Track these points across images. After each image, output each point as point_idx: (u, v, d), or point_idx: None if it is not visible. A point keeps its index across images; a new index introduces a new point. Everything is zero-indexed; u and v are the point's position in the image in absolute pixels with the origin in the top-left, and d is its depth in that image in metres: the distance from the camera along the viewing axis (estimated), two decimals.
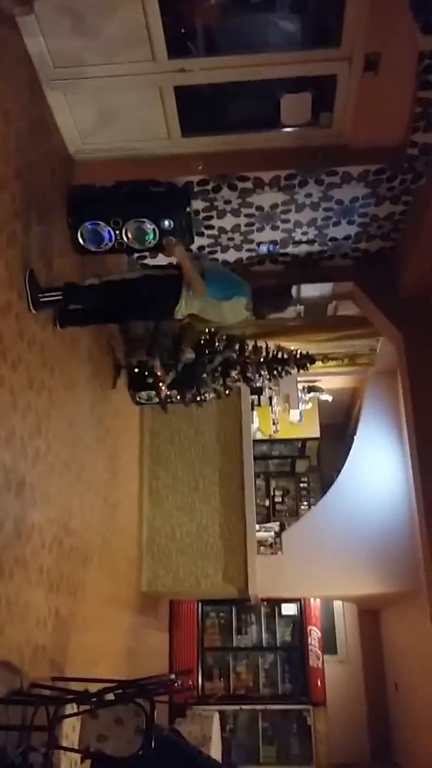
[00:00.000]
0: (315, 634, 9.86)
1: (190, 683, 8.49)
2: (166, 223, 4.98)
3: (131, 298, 4.29)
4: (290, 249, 6.13)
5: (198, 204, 5.37)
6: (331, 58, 4.30)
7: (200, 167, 4.93)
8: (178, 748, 2.94)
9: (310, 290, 6.95)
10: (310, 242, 6.03)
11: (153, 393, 6.84)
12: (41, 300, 3.95)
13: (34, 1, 3.60)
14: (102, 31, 4.08)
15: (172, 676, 3.32)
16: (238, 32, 4.37)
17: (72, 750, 2.76)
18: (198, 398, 6.97)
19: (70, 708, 2.91)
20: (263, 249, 6.10)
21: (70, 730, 2.83)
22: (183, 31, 4.23)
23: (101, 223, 4.91)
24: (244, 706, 9.54)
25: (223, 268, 4.42)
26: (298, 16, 4.29)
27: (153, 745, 2.67)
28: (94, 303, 4.37)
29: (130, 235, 4.98)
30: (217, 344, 6.75)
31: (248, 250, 6.12)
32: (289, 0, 4.24)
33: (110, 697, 3.15)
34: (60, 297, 4.09)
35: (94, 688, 3.38)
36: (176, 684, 3.22)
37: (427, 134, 4.63)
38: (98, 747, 3.01)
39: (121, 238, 4.99)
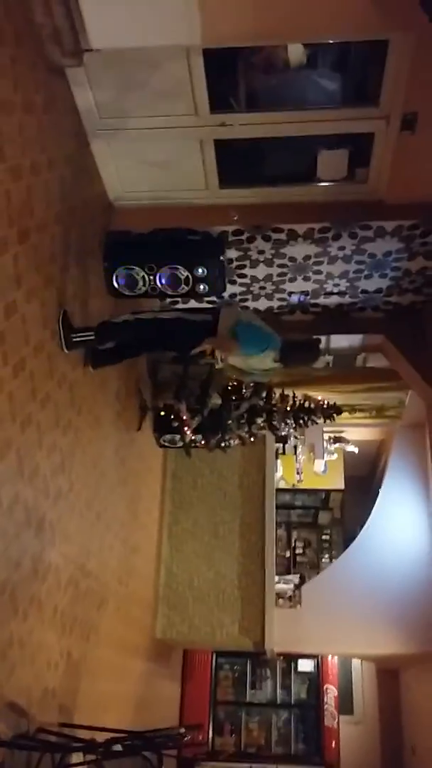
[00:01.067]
0: (331, 692, 9.55)
1: (200, 738, 8.26)
2: (200, 270, 5.06)
3: (162, 336, 4.34)
4: (321, 300, 6.16)
5: (232, 253, 5.45)
6: (369, 116, 4.41)
7: (235, 218, 5.03)
8: None
9: (340, 341, 6.96)
10: (341, 294, 6.06)
11: (177, 437, 6.84)
12: (74, 340, 4.02)
13: (84, 54, 3.76)
14: (147, 84, 4.24)
15: (182, 730, 3.23)
16: (279, 89, 4.51)
17: None
18: (222, 444, 6.96)
19: (77, 756, 2.84)
20: (294, 299, 6.14)
21: None
22: (226, 86, 4.37)
23: (136, 268, 5.01)
24: (254, 765, 9.21)
25: (256, 319, 4.43)
26: (339, 75, 4.41)
27: None
28: (126, 339, 4.42)
29: (163, 281, 5.07)
30: (244, 391, 6.76)
31: (279, 299, 6.17)
32: (330, 59, 4.37)
33: (118, 747, 3.07)
34: (92, 337, 4.15)
35: (101, 736, 3.30)
36: (185, 738, 3.13)
37: None
38: None
39: (155, 283, 5.08)
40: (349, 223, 5.13)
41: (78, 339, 4.05)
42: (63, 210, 4.02)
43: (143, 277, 5.03)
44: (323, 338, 6.69)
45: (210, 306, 4.39)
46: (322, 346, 6.75)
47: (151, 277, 5.04)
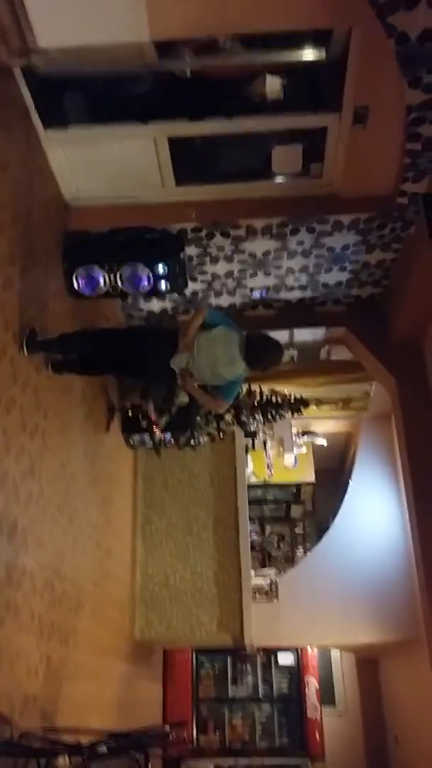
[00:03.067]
0: (312, 684, 9.61)
1: (185, 736, 8.24)
2: (161, 268, 5.07)
3: (125, 348, 4.28)
4: (283, 294, 6.22)
5: (192, 250, 5.47)
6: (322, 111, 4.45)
7: (193, 215, 5.05)
8: None
9: (304, 335, 7.03)
10: (302, 288, 6.13)
11: (147, 436, 6.83)
12: (37, 341, 4.00)
13: (31, 54, 3.73)
14: None
15: (167, 728, 3.23)
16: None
17: None
18: (192, 442, 6.96)
19: (63, 760, 2.82)
20: (256, 294, 6.19)
21: None
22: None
23: (96, 267, 4.99)
24: (240, 760, 9.23)
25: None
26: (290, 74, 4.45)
27: None
28: (88, 350, 4.39)
29: (124, 280, 5.06)
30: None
31: (242, 296, 6.21)
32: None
33: (103, 748, 3.06)
34: (53, 341, 4.14)
35: (85, 739, 3.29)
36: (171, 736, 3.13)
37: (416, 184, 4.77)
38: None
39: (116, 282, 5.07)
40: (306, 217, 5.19)
41: (40, 341, 4.04)
42: (19, 212, 3.99)
43: (104, 276, 5.02)
44: (287, 332, 6.75)
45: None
46: (285, 341, 6.89)
47: (112, 276, 5.03)
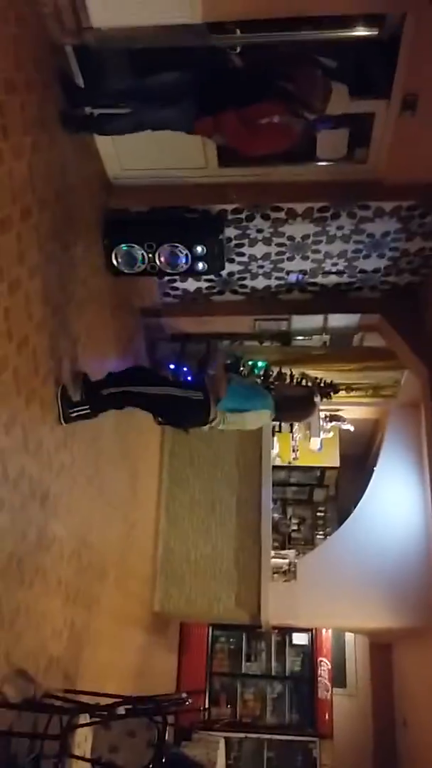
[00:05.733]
0: (325, 665, 9.76)
1: (201, 706, 8.45)
2: (199, 248, 5.11)
3: (154, 408, 4.23)
4: (319, 279, 6.22)
5: (230, 231, 5.50)
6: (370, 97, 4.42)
7: (233, 197, 5.06)
8: (187, 764, 2.97)
9: (337, 320, 7.01)
10: (339, 273, 6.12)
11: None
12: (71, 415, 3.95)
13: (84, 32, 3.77)
14: None
15: (184, 695, 3.36)
16: None
17: (83, 759, 2.80)
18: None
19: (84, 718, 2.95)
20: (293, 278, 6.20)
21: (83, 740, 2.87)
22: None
23: (135, 246, 5.05)
24: (249, 734, 9.44)
25: (249, 383, 4.44)
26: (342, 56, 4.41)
27: (163, 759, 2.70)
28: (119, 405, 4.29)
29: (162, 259, 5.12)
30: (241, 369, 6.83)
31: (277, 278, 6.22)
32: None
33: (122, 710, 3.19)
34: (88, 411, 4.04)
35: (105, 702, 3.41)
36: (188, 702, 3.26)
37: None
38: (109, 758, 3.05)
39: (154, 261, 5.13)
40: (348, 202, 5.17)
41: (75, 414, 3.97)
42: (63, 188, 4.05)
43: (142, 254, 5.08)
44: (321, 317, 6.75)
45: (197, 371, 4.31)
46: (319, 325, 6.89)
47: (150, 255, 5.09)
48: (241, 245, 5.69)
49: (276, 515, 10.76)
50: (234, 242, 5.65)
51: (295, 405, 4.39)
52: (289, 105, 3.84)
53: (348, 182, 5.02)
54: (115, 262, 5.11)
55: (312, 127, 4.29)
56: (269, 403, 4.17)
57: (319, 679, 9.69)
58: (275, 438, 9.14)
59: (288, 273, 6.13)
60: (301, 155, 4.95)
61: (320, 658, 9.80)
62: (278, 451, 9.95)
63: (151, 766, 2.73)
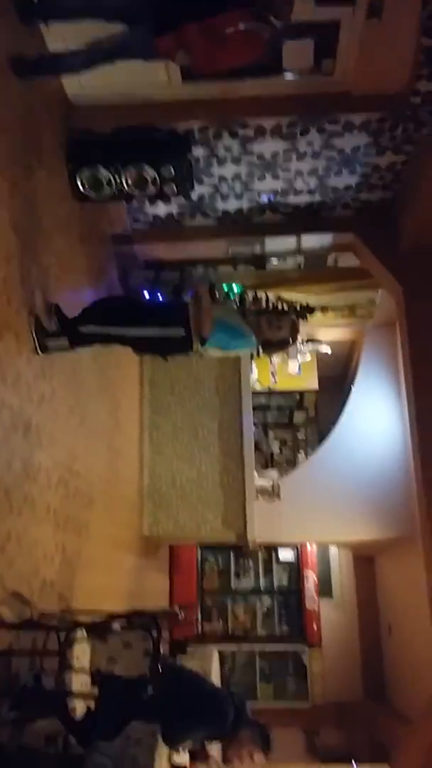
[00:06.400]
0: (311, 578, 10.17)
1: (192, 617, 8.80)
2: (168, 170, 4.97)
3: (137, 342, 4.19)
4: (291, 199, 6.13)
5: (198, 151, 5.36)
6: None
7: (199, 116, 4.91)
8: (184, 673, 3.13)
9: (311, 241, 6.95)
10: (311, 192, 6.03)
11: None
12: (48, 345, 3.90)
13: None
14: None
15: (177, 608, 3.50)
16: None
17: (82, 671, 2.94)
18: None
19: (80, 633, 3.08)
20: (264, 198, 6.10)
21: (81, 653, 3.01)
22: None
23: (101, 168, 4.88)
24: (242, 645, 9.92)
25: (234, 320, 4.38)
26: None
27: (160, 667, 2.85)
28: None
29: (130, 182, 4.97)
30: (217, 294, 6.77)
31: (249, 200, 6.12)
32: None
33: (117, 625, 3.33)
34: (67, 342, 3.99)
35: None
36: (180, 615, 3.40)
37: (430, 82, 4.61)
38: (108, 668, 3.20)
39: (122, 184, 4.98)
40: (316, 116, 5.05)
41: (52, 343, 3.93)
42: (21, 111, 3.90)
43: (109, 178, 4.93)
44: (293, 238, 6.69)
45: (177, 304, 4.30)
46: (292, 247, 6.83)
47: (117, 178, 4.94)
48: (210, 165, 5.57)
49: (257, 438, 10.93)
50: (202, 163, 5.52)
51: (279, 346, 4.53)
52: (254, 11, 3.69)
53: (316, 95, 4.89)
54: (81, 187, 4.94)
55: (278, 36, 4.15)
56: (253, 343, 4.20)
57: (306, 591, 10.11)
58: (253, 363, 9.18)
59: (259, 194, 6.03)
60: (268, 68, 4.79)
61: (306, 571, 10.20)
62: (257, 376, 10.01)
63: (149, 673, 2.87)
